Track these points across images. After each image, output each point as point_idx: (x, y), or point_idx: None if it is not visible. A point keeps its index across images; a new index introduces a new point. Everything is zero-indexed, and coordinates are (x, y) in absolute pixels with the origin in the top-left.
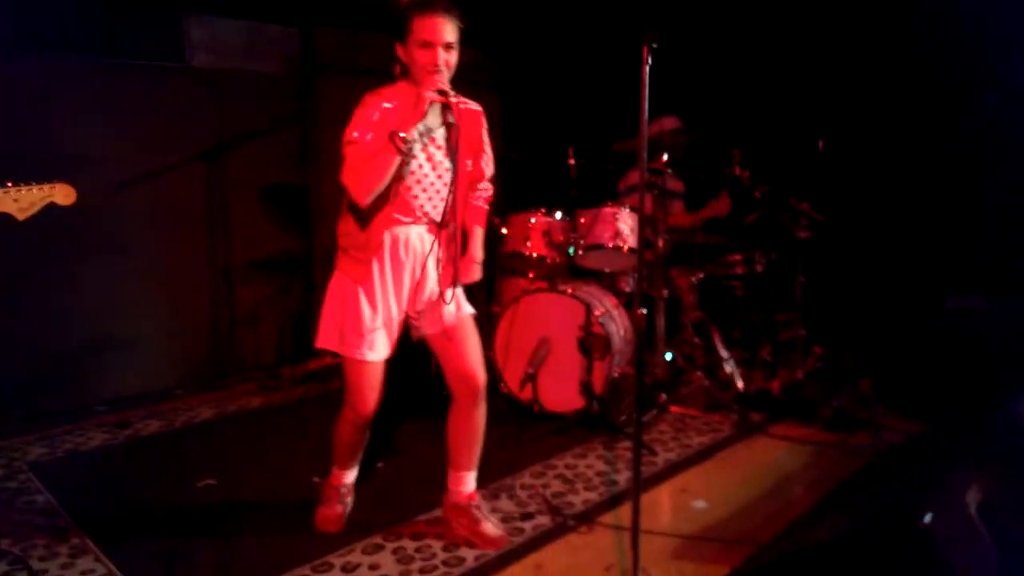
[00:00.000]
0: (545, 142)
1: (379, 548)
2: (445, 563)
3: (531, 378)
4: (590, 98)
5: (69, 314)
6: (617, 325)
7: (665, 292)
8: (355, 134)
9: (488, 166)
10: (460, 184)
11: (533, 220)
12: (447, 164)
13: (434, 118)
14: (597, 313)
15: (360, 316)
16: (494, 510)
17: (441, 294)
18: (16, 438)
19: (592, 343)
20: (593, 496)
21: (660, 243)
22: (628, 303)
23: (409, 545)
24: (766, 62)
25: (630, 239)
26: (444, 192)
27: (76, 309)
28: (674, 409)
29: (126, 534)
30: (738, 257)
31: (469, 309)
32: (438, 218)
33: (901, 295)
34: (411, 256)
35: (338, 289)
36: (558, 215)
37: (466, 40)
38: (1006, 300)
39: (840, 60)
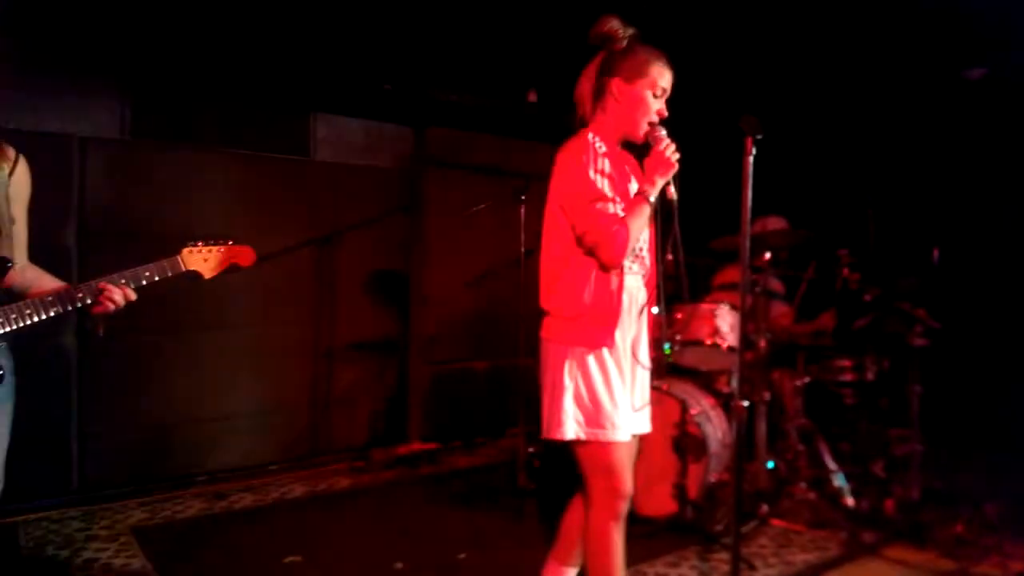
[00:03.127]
0: None
1: None
2: None
3: None
4: (687, 194)
5: (176, 386)
6: (714, 427)
7: (767, 395)
8: (598, 186)
9: None
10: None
11: None
12: None
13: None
14: (693, 412)
15: (611, 387)
16: None
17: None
18: (119, 501)
19: (687, 444)
20: None
21: (761, 343)
22: (727, 404)
23: None
24: (883, 165)
25: (729, 337)
26: (645, 238)
27: (184, 381)
28: (776, 522)
29: None
30: (847, 363)
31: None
32: (647, 265)
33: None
34: (633, 314)
35: (578, 365)
36: (654, 309)
37: (556, 136)
38: None
39: (955, 166)
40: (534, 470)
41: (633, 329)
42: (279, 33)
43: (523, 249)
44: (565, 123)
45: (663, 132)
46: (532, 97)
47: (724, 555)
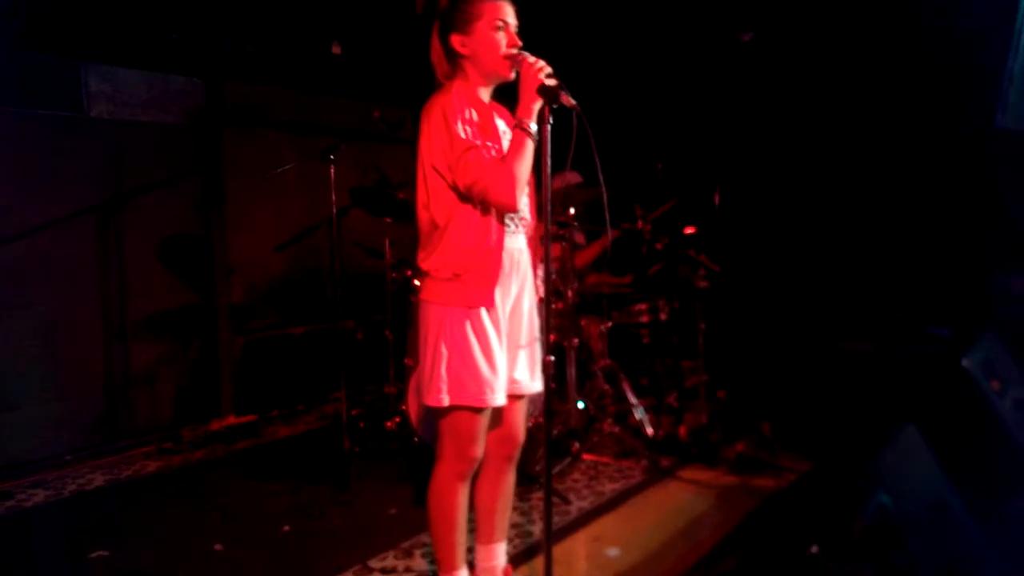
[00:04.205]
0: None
1: None
2: None
3: None
4: None
5: None
6: None
7: (576, 341)
8: (465, 136)
9: None
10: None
11: None
12: None
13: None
14: None
15: (489, 351)
16: (408, 569)
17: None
18: None
19: None
20: (508, 548)
21: (569, 293)
22: None
23: None
24: (671, 124)
25: (541, 289)
26: (524, 202)
27: None
28: (587, 457)
29: None
30: (644, 306)
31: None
32: (529, 224)
33: (795, 340)
34: (517, 275)
35: (456, 329)
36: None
37: (366, 92)
38: (891, 345)
39: (732, 122)
40: (359, 432)
41: (514, 291)
42: None
43: (335, 209)
44: (375, 77)
45: (527, 55)
46: (336, 50)
47: (543, 493)
